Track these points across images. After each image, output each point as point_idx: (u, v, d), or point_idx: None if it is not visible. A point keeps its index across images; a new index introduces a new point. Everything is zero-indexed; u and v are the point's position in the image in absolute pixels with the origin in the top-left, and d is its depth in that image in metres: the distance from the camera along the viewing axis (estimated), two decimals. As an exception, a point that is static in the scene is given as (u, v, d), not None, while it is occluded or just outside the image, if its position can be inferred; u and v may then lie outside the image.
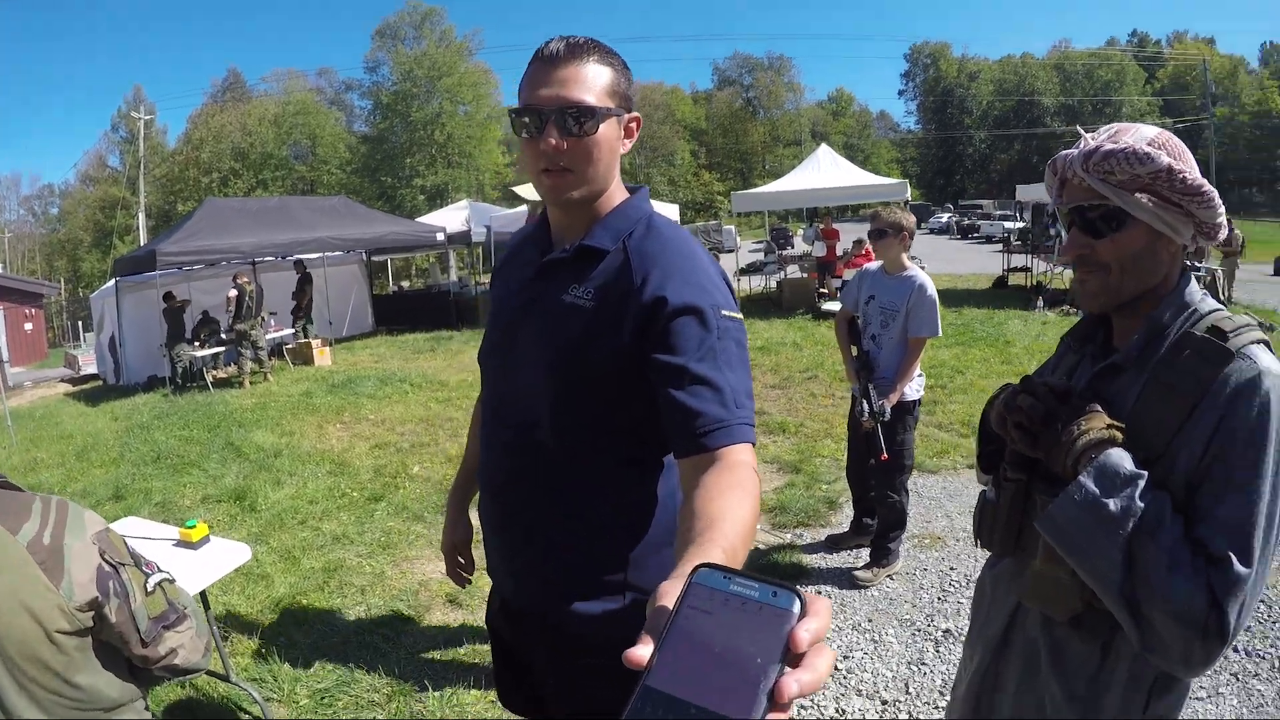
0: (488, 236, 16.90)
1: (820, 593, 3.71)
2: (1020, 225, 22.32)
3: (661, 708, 0.55)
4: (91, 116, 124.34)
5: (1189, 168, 1.25)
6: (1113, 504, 1.18)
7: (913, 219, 4.16)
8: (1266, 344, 1.25)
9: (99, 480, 7.00)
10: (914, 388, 4.13)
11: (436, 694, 3.33)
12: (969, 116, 71.79)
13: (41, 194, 64.01)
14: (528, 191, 3.20)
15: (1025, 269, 17.65)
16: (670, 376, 1.32)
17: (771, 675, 0.55)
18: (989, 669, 1.58)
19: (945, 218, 47.49)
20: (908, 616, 3.91)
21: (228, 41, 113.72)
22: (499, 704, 1.80)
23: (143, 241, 32.82)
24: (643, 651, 0.58)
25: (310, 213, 15.42)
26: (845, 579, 4.25)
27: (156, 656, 1.45)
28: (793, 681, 0.53)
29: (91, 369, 17.36)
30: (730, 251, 24.21)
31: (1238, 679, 3.29)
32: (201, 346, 12.24)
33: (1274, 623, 3.68)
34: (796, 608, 0.59)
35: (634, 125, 1.47)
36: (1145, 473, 1.20)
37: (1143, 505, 1.18)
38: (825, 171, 16.72)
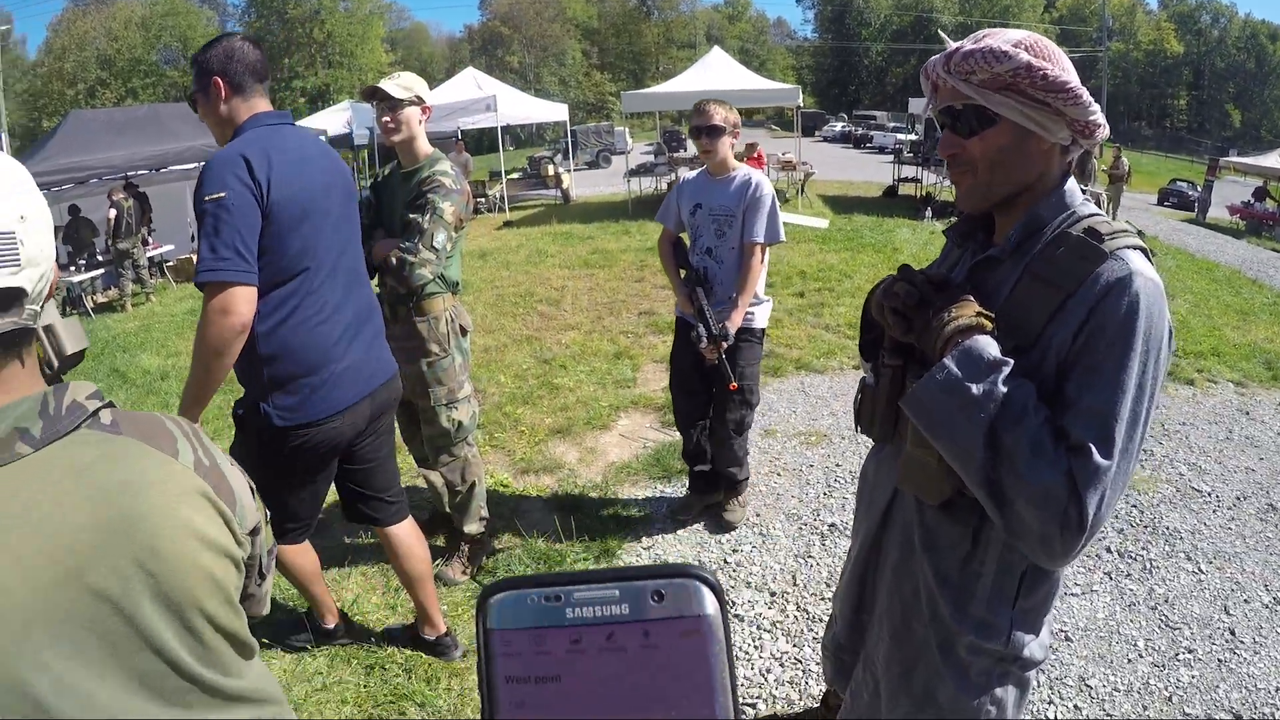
0: (371, 138, 16.17)
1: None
2: (912, 137, 22.73)
3: None
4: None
5: (1054, 66, 1.25)
6: (975, 388, 1.21)
7: (738, 114, 3.55)
8: (1143, 250, 1.27)
9: None
10: (761, 312, 3.60)
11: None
12: (867, 28, 71.89)
13: (-109, 122, 57.41)
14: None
15: (915, 180, 18.05)
16: None
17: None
18: (870, 551, 1.65)
19: (839, 126, 47.88)
20: (794, 511, 4.03)
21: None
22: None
23: (7, 164, 30.51)
24: None
25: (183, 121, 14.20)
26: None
27: (263, 595, 1.24)
28: None
29: None
30: (622, 153, 23.92)
31: (1111, 578, 3.50)
32: (78, 271, 11.39)
33: (1145, 527, 3.93)
34: (709, 605, 0.40)
35: (212, 88, 2.17)
36: (1010, 360, 1.23)
37: (1005, 391, 1.20)
38: (717, 73, 16.65)
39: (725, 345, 3.31)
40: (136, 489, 0.92)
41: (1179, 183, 27.64)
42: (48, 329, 1.14)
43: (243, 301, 2.01)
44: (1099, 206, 7.91)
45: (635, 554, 3.68)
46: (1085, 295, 1.22)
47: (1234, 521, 4.01)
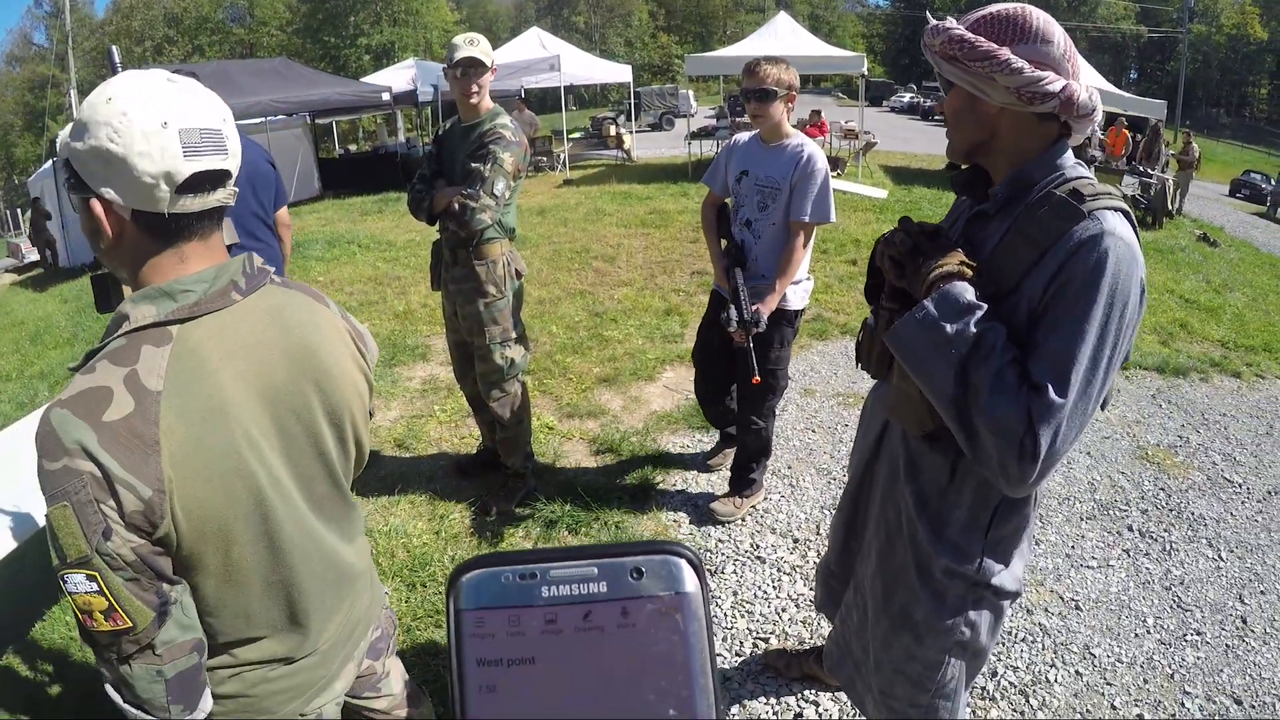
0: (435, 96, 16.35)
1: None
2: (1096, 132, 22.12)
3: None
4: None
5: (984, 38, 1.36)
6: (949, 327, 1.34)
7: (796, 75, 3.25)
8: (1125, 214, 1.35)
9: (55, 361, 7.00)
10: (797, 294, 3.33)
11: (385, 530, 3.56)
12: (940, -1, 69.92)
13: (-37, 81, 59.07)
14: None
15: (980, 154, 17.63)
16: None
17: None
18: (863, 479, 1.82)
19: (908, 97, 46.78)
20: (825, 466, 4.19)
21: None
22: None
23: (76, 119, 31.30)
24: None
25: (250, 77, 14.67)
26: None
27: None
28: None
29: (35, 256, 16.64)
30: (685, 116, 23.85)
31: (1129, 555, 3.55)
32: None
33: (1170, 510, 3.96)
34: (689, 582, 0.40)
35: None
36: (984, 305, 1.35)
37: (976, 331, 1.32)
38: (783, 39, 16.42)
39: (756, 331, 3.09)
40: (312, 326, 1.27)
41: (1253, 174, 26.45)
42: None
43: None
44: (1167, 192, 7.70)
45: (668, 495, 3.89)
46: (1058, 250, 1.32)
47: (1262, 515, 4.01)
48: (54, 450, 0.99)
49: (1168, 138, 17.33)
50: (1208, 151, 20.63)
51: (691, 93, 31.10)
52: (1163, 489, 4.15)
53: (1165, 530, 3.78)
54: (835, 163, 15.28)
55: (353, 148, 26.72)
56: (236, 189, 1.16)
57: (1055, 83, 1.34)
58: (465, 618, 0.38)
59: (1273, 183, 23.36)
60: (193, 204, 1.08)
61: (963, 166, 1.59)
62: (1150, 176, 13.60)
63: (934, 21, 1.43)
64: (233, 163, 1.11)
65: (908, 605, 1.64)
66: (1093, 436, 4.70)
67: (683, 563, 0.39)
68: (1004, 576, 1.57)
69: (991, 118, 1.44)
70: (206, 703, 1.16)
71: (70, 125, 1.06)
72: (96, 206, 1.05)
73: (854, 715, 2.58)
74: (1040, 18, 1.39)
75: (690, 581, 0.39)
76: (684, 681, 0.37)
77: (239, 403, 1.12)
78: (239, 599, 1.19)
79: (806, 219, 3.13)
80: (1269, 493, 4.27)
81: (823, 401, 5.06)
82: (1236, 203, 23.18)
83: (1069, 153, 1.46)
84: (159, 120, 1.02)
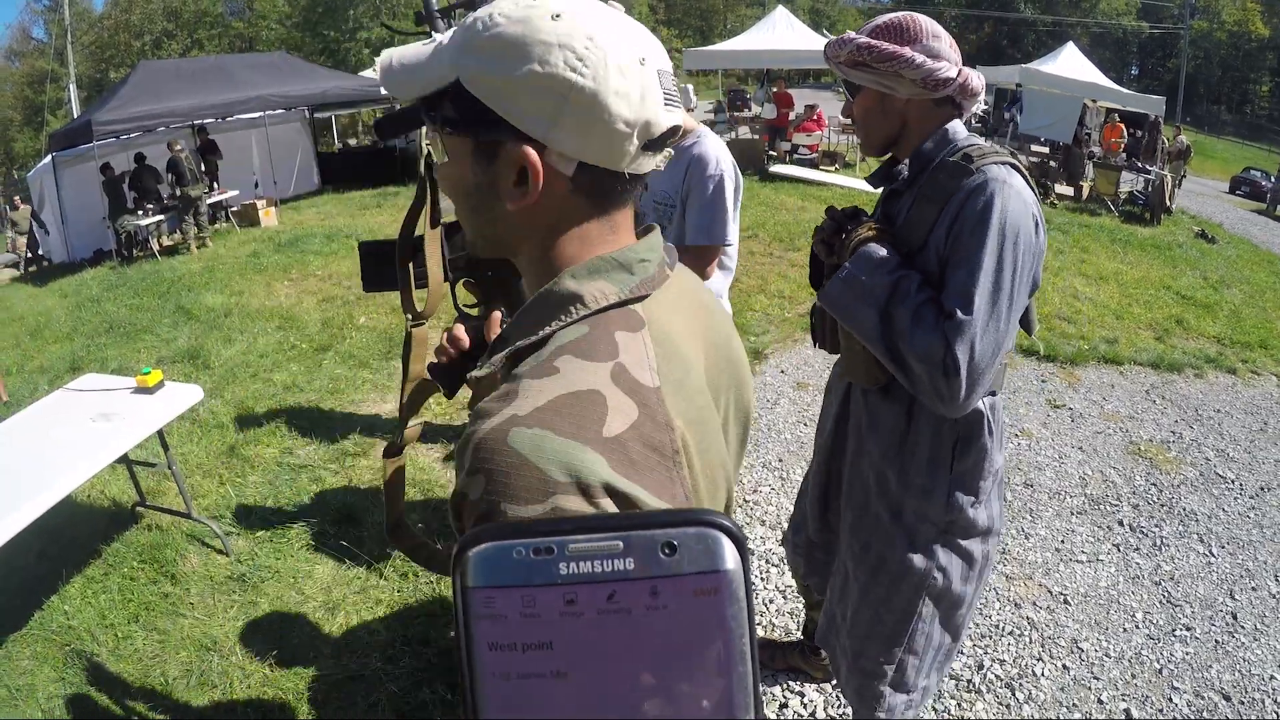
0: (434, 89, 16.32)
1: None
2: (981, 108, 22.16)
3: None
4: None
5: (887, 41, 1.58)
6: (866, 279, 1.57)
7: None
8: (1013, 166, 1.56)
9: (55, 355, 6.98)
10: None
11: (377, 521, 3.59)
12: (940, -8, 69.72)
13: (-38, 76, 58.74)
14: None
15: (980, 151, 17.62)
16: None
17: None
18: (833, 441, 1.98)
19: (907, 94, 46.68)
20: (815, 459, 4.20)
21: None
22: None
23: (75, 114, 31.18)
24: None
25: (249, 71, 14.70)
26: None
27: None
28: None
29: (13, 256, 16.58)
30: (686, 110, 23.84)
31: (1119, 550, 3.55)
32: (145, 215, 11.84)
33: (1161, 505, 3.96)
34: (729, 558, 0.35)
35: None
36: (896, 258, 1.59)
37: (891, 279, 1.55)
38: (780, 34, 16.67)
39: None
40: (719, 310, 0.99)
41: (1253, 171, 26.30)
42: None
43: None
44: (1166, 188, 7.98)
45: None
46: (954, 202, 1.54)
47: (1254, 510, 4.00)
48: (536, 488, 0.62)
49: (1167, 134, 17.30)
50: (1208, 149, 20.57)
51: (691, 86, 31.00)
52: (1154, 484, 4.15)
53: (1156, 525, 3.78)
54: (834, 157, 15.29)
55: (352, 142, 26.64)
56: None
57: (950, 69, 1.59)
58: (473, 596, 0.34)
59: (1272, 180, 23.14)
60: (647, 164, 0.82)
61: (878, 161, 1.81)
62: (1149, 173, 13.57)
63: (834, 36, 1.66)
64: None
65: (883, 553, 1.78)
66: (1085, 431, 4.70)
67: (722, 536, 0.35)
68: (977, 512, 1.72)
69: (900, 109, 1.68)
70: None
71: (461, 39, 0.76)
72: (530, 155, 0.75)
73: (839, 706, 2.59)
74: (924, 19, 1.63)
75: (730, 558, 0.34)
76: (720, 671, 0.34)
77: (707, 396, 0.87)
78: None
79: (700, 241, 2.42)
80: (1261, 489, 4.26)
81: (815, 395, 5.06)
82: (1236, 200, 23.03)
83: (961, 127, 1.68)
84: (637, 55, 0.76)
